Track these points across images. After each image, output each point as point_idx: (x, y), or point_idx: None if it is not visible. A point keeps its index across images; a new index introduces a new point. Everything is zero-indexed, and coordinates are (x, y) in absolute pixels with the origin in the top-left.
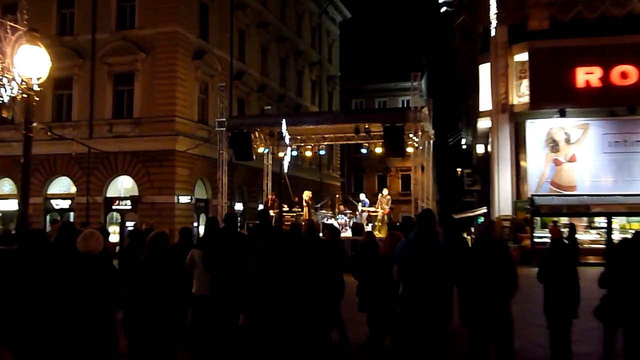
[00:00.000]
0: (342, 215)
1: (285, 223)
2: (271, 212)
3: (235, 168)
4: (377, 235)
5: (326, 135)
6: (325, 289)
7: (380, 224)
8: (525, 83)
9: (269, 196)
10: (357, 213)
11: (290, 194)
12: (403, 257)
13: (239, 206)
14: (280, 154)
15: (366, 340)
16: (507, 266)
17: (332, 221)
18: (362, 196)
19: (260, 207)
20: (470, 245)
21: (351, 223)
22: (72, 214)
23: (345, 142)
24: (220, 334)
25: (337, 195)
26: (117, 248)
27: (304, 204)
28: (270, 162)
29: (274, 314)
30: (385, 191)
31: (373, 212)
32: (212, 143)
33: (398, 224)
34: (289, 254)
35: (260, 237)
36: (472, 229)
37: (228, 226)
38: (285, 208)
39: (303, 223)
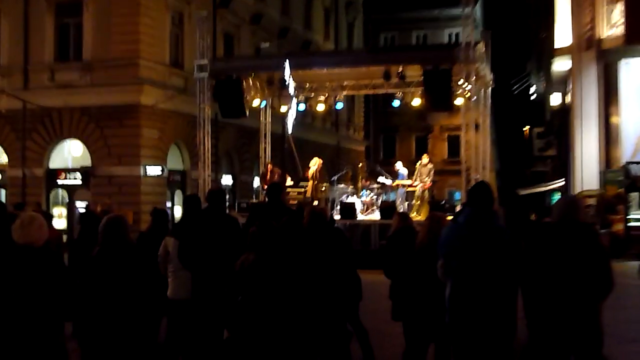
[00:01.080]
0: (367, 192)
1: (289, 203)
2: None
3: (221, 128)
4: (414, 219)
5: (345, 83)
6: (336, 290)
7: (418, 202)
8: (620, 8)
9: (267, 167)
10: (389, 187)
11: (297, 163)
12: (450, 248)
13: (227, 180)
14: (283, 109)
15: (401, 357)
16: (597, 260)
17: (353, 199)
18: (399, 165)
19: (257, 181)
20: (542, 231)
21: (379, 202)
22: (2, 191)
23: (371, 92)
24: (202, 350)
25: (361, 165)
26: (65, 237)
27: (310, 177)
28: (269, 120)
29: (276, 326)
30: (425, 158)
31: (409, 186)
32: (190, 94)
33: (444, 202)
34: (294, 245)
35: (260, 222)
36: (545, 209)
37: (213, 207)
38: (290, 183)
39: (305, 207)
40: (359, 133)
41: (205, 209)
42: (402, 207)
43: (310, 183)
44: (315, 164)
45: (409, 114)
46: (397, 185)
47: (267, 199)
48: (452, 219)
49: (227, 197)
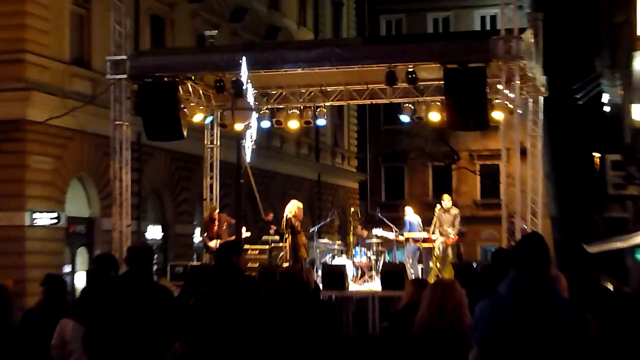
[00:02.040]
0: (363, 250)
1: (247, 268)
2: (213, 245)
3: (147, 156)
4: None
5: (330, 89)
6: None
7: (438, 265)
8: None
9: (212, 213)
10: (394, 240)
11: (259, 207)
12: (488, 333)
13: (154, 232)
14: (238, 127)
15: None
16: None
17: (342, 260)
18: (409, 211)
19: (197, 234)
20: (621, 307)
21: (381, 264)
22: None
23: (367, 102)
24: None
25: (353, 210)
26: None
27: (287, 227)
28: (217, 143)
29: None
30: (447, 200)
31: (424, 240)
32: (101, 106)
33: (476, 265)
34: (254, 331)
35: (201, 295)
36: (625, 274)
37: (134, 272)
38: (246, 234)
39: (287, 268)
40: (350, 162)
41: (122, 276)
42: (412, 272)
43: (287, 236)
44: (291, 210)
45: (424, 134)
46: (406, 239)
47: (214, 262)
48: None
49: (155, 257)
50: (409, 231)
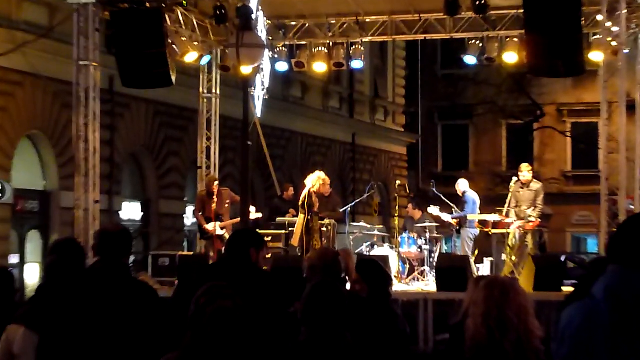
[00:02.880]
0: (413, 237)
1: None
2: (211, 228)
3: (123, 109)
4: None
5: (369, 19)
6: None
7: (513, 257)
8: None
9: (211, 185)
10: (454, 224)
11: (272, 177)
12: (578, 348)
13: (132, 210)
14: (245, 70)
15: None
16: None
17: (383, 250)
18: (463, 185)
19: (189, 214)
20: None
21: (436, 256)
22: None
23: (420, 38)
24: None
25: (399, 182)
26: None
27: (304, 206)
28: (217, 91)
29: None
30: (526, 171)
31: (495, 225)
32: (61, 40)
33: (565, 257)
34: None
35: (212, 290)
36: None
37: (105, 265)
38: (255, 215)
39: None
40: (395, 120)
41: (90, 270)
42: (479, 268)
43: (302, 216)
44: (314, 183)
45: (496, 82)
46: (465, 223)
47: (225, 254)
48: (577, 290)
49: (133, 245)
50: (469, 211)
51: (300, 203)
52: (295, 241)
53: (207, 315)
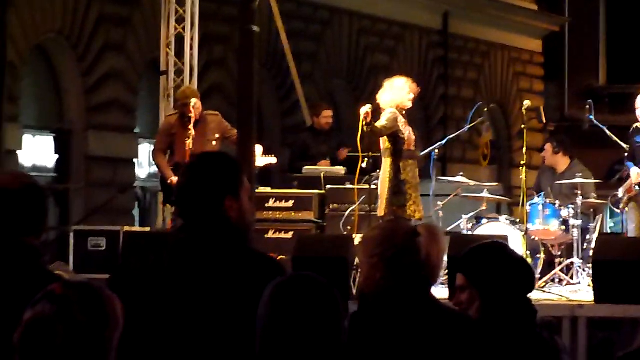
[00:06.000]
0: (550, 205)
1: (267, 237)
2: None
3: None
4: None
5: None
6: None
7: None
8: None
9: (183, 101)
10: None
11: (298, 91)
12: None
13: (37, 148)
14: None
15: None
16: None
17: (501, 228)
18: None
19: (144, 159)
20: None
21: (594, 238)
22: None
23: None
24: None
25: (528, 103)
26: None
27: (389, 138)
28: None
29: None
30: None
31: None
32: None
33: None
34: None
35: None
36: None
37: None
38: (264, 159)
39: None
40: None
41: None
42: None
43: (386, 170)
44: (399, 93)
45: None
46: None
47: (177, 216)
48: None
49: (48, 210)
50: None
51: (374, 134)
52: (381, 210)
53: (23, 330)
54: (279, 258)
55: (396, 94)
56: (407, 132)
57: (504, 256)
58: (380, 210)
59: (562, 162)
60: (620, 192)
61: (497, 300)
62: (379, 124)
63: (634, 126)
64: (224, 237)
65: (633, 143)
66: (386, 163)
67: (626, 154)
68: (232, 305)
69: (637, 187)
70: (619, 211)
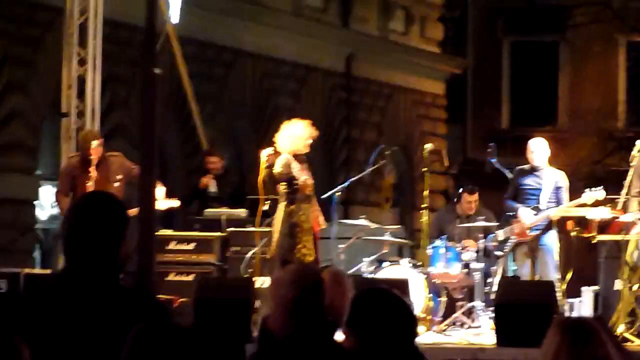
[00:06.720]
0: (451, 248)
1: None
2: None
3: None
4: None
5: None
6: None
7: (637, 282)
8: None
9: (85, 143)
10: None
11: (198, 131)
12: None
13: None
14: None
15: None
16: None
17: (402, 271)
18: (539, 147)
19: (45, 198)
20: None
21: (495, 281)
22: None
23: None
24: None
25: (431, 146)
26: None
27: (271, 181)
28: None
29: None
30: None
31: (603, 223)
32: None
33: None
34: None
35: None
36: None
37: None
38: (167, 202)
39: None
40: (426, 30)
41: None
42: (573, 303)
43: (280, 212)
44: (297, 138)
45: None
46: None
47: (65, 260)
48: None
49: None
50: (557, 202)
51: (261, 181)
52: (272, 253)
53: None
54: (179, 301)
55: (292, 140)
56: (303, 178)
57: (393, 303)
58: (270, 252)
59: (471, 204)
60: (501, 235)
61: (376, 348)
62: (274, 169)
63: (518, 168)
64: (101, 276)
65: (517, 184)
66: (280, 206)
67: (506, 194)
68: (101, 346)
69: (530, 232)
70: (501, 254)
